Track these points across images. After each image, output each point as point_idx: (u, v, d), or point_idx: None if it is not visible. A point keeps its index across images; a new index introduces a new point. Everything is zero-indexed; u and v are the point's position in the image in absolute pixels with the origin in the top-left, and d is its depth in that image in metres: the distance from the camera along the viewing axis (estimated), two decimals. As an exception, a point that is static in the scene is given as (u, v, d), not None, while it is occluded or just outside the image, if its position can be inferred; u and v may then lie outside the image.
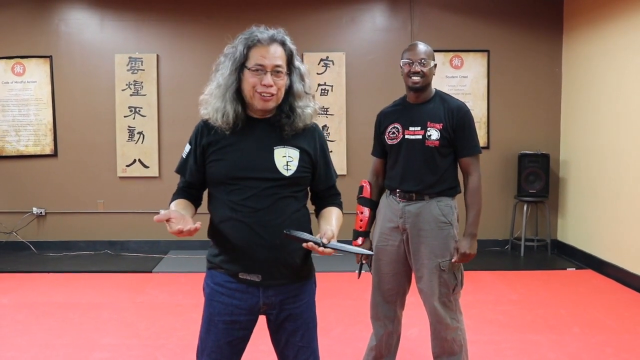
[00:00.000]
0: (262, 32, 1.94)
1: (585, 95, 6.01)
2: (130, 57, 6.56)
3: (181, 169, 2.07)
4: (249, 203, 1.92)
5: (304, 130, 2.02)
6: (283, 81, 1.95)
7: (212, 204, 2.03)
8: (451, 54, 6.57)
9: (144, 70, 6.56)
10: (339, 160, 6.52)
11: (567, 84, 6.48)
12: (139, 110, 6.59)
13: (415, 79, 2.74)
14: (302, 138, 2.01)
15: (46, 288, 5.18)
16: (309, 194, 2.12)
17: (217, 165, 1.97)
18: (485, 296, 4.89)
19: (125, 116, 6.59)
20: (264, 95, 1.91)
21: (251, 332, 2.05)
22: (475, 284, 5.21)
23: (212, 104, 1.96)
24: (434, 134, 2.72)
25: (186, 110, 6.38)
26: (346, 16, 6.60)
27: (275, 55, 1.92)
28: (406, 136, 2.78)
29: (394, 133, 2.83)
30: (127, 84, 6.57)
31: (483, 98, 6.60)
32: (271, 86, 1.90)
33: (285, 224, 1.93)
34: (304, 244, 1.82)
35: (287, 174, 1.95)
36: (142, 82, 6.57)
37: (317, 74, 6.53)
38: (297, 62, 2.00)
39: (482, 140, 6.56)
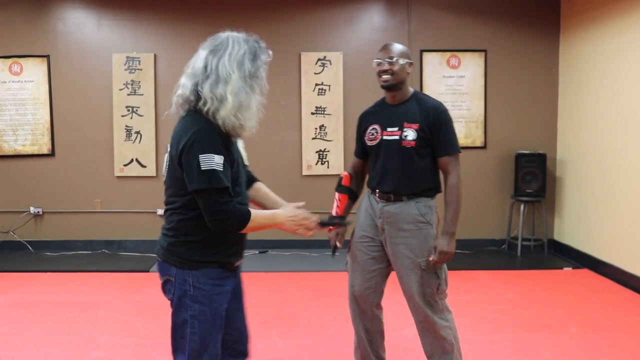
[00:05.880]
0: None
1: (582, 95, 6.03)
2: (127, 57, 6.55)
3: (227, 179, 1.98)
4: (242, 199, 2.11)
5: None
6: None
7: None
8: (448, 54, 6.58)
9: (141, 69, 6.56)
10: (336, 160, 6.53)
11: (564, 84, 6.49)
12: (137, 110, 6.58)
13: (385, 77, 2.78)
14: None
15: (43, 287, 5.18)
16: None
17: (230, 169, 2.04)
18: (482, 295, 4.90)
19: (122, 116, 6.59)
20: None
21: None
22: (471, 283, 5.23)
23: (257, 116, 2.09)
24: (410, 134, 2.75)
25: (183, 109, 6.38)
26: (343, 16, 6.61)
27: None
28: (384, 137, 2.82)
29: (373, 134, 2.87)
30: (124, 84, 6.57)
31: (480, 98, 6.61)
32: None
33: None
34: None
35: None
36: (139, 82, 6.56)
37: (315, 73, 6.53)
38: None
39: (479, 139, 6.58)
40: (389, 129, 2.81)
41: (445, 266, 2.84)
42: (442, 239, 2.74)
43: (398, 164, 2.78)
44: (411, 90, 2.88)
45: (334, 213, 2.90)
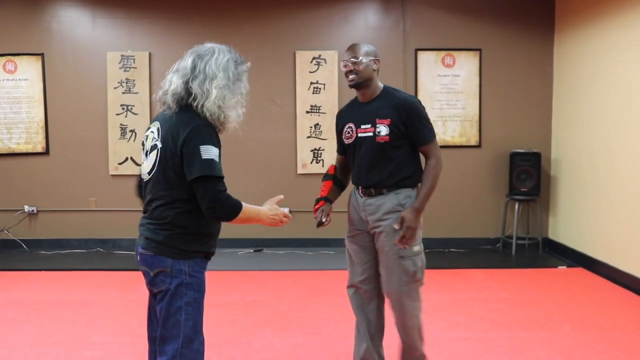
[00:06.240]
0: None
1: (576, 94, 6.04)
2: (122, 55, 6.54)
3: (221, 169, 2.15)
4: None
5: None
6: None
7: None
8: (443, 53, 6.59)
9: (136, 68, 6.54)
10: (331, 158, 6.52)
11: (558, 83, 6.51)
12: (131, 108, 6.57)
13: (351, 76, 2.89)
14: None
15: (38, 286, 5.16)
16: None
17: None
18: (476, 294, 4.91)
19: (117, 114, 6.57)
20: None
21: None
22: (466, 282, 5.24)
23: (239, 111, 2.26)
24: (383, 130, 2.85)
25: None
26: (338, 15, 6.60)
27: None
28: (359, 134, 2.93)
29: (349, 132, 2.99)
30: (119, 82, 6.55)
31: (475, 97, 6.62)
32: None
33: None
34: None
35: None
36: (134, 80, 6.55)
37: (309, 72, 6.53)
38: None
39: (473, 138, 6.59)
40: (362, 127, 2.91)
41: (423, 255, 2.93)
42: (408, 211, 2.81)
43: (375, 159, 2.88)
44: (381, 86, 2.97)
45: (319, 196, 3.10)
